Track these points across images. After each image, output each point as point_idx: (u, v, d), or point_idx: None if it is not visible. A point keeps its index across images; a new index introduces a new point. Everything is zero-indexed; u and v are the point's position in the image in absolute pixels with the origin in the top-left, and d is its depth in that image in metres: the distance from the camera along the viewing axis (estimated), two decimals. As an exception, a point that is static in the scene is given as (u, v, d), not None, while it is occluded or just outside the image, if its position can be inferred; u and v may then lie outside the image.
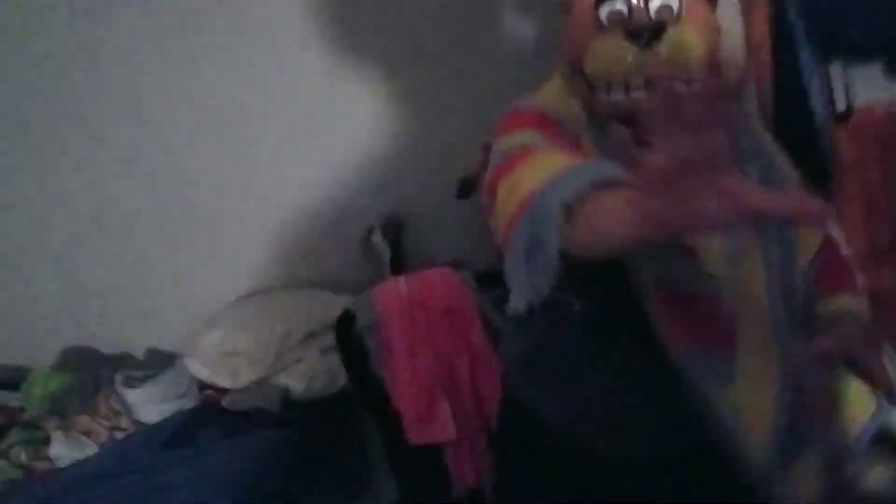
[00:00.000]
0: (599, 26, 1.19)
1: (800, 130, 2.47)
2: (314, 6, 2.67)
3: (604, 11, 1.18)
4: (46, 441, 2.49)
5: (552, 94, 1.30)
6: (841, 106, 2.53)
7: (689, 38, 1.16)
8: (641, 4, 1.17)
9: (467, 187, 2.38)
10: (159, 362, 2.76)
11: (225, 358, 2.60)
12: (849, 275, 1.36)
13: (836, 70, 2.48)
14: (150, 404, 2.57)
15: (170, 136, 2.77)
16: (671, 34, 1.15)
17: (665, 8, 1.17)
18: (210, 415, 2.53)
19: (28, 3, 2.68)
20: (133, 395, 2.58)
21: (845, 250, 1.40)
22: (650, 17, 1.17)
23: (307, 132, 2.75)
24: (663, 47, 1.15)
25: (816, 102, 2.37)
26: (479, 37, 2.64)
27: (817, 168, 2.51)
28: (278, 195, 2.80)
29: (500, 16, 2.66)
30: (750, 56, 1.29)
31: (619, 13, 1.17)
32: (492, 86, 2.51)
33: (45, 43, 2.71)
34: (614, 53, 1.17)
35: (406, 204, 2.74)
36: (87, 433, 2.51)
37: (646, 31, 1.15)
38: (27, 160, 2.86)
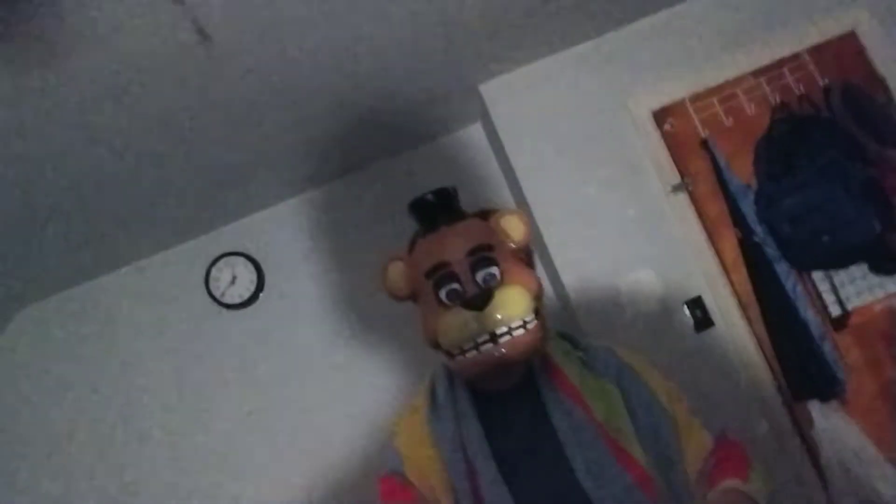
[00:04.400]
0: (443, 305, 1.51)
1: (797, 342, 2.51)
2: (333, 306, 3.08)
3: (443, 293, 1.51)
4: None
5: (406, 421, 1.59)
6: (835, 311, 2.57)
7: (512, 297, 1.45)
8: (470, 279, 1.50)
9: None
10: None
11: None
12: (738, 465, 1.45)
13: (820, 278, 2.55)
14: None
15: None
16: (498, 296, 1.44)
17: (489, 276, 1.50)
18: None
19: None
20: None
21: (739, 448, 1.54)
22: (479, 286, 1.50)
23: (316, 420, 2.97)
24: (495, 307, 1.42)
25: (806, 312, 2.43)
26: None
27: (823, 377, 2.52)
28: (289, 483, 2.91)
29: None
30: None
31: (455, 290, 1.50)
32: None
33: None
34: (458, 324, 1.45)
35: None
36: None
37: (478, 300, 1.45)
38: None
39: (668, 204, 2.67)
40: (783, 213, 2.52)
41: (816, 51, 2.73)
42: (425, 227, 1.58)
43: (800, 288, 2.54)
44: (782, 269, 2.53)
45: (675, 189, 2.66)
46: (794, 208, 2.51)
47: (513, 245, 1.53)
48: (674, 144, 2.71)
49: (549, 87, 2.78)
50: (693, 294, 2.60)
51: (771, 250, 2.54)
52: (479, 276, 1.46)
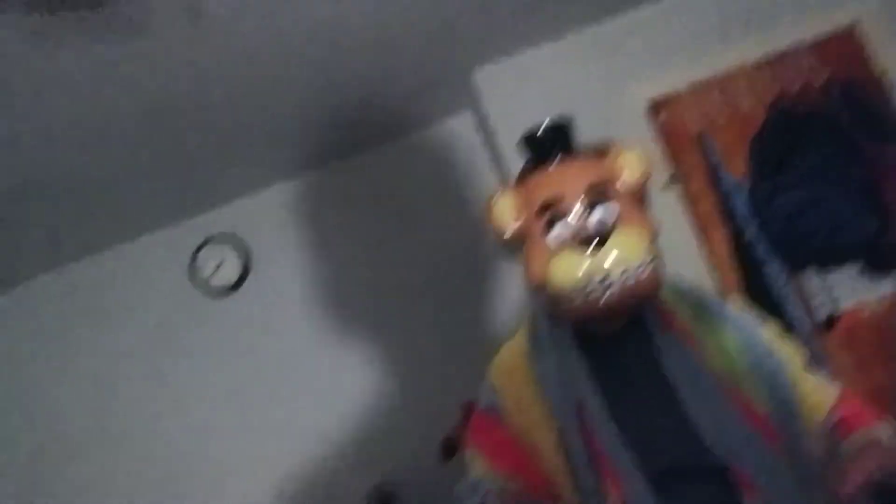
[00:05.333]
0: (554, 244, 1.40)
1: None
2: (316, 294, 3.08)
3: (555, 232, 1.40)
4: None
5: (505, 359, 1.52)
6: (825, 312, 2.54)
7: (629, 239, 1.36)
8: (584, 218, 1.40)
9: (450, 448, 2.44)
10: None
11: None
12: (867, 415, 1.42)
13: (811, 278, 2.52)
14: None
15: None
16: (615, 238, 1.35)
17: (606, 216, 1.40)
18: None
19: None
20: None
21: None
22: (594, 227, 1.39)
23: (297, 410, 2.99)
24: (611, 249, 1.33)
25: (795, 312, 2.40)
26: (458, 316, 3.02)
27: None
28: (269, 471, 2.95)
29: (478, 301, 3.02)
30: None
31: (568, 230, 1.39)
32: (469, 355, 2.62)
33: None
34: (571, 265, 1.36)
35: (394, 473, 2.91)
36: None
37: (593, 241, 1.36)
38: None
39: (659, 198, 2.61)
40: (777, 210, 2.48)
41: (817, 45, 2.67)
42: (538, 161, 1.46)
43: (790, 287, 2.50)
44: (773, 267, 2.49)
45: (668, 183, 2.62)
46: (787, 206, 2.46)
47: (631, 184, 1.42)
48: (667, 138, 2.67)
49: (543, 75, 2.74)
50: (682, 290, 2.58)
51: (762, 248, 2.50)
52: (595, 215, 1.37)
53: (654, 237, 1.40)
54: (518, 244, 1.47)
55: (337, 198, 3.06)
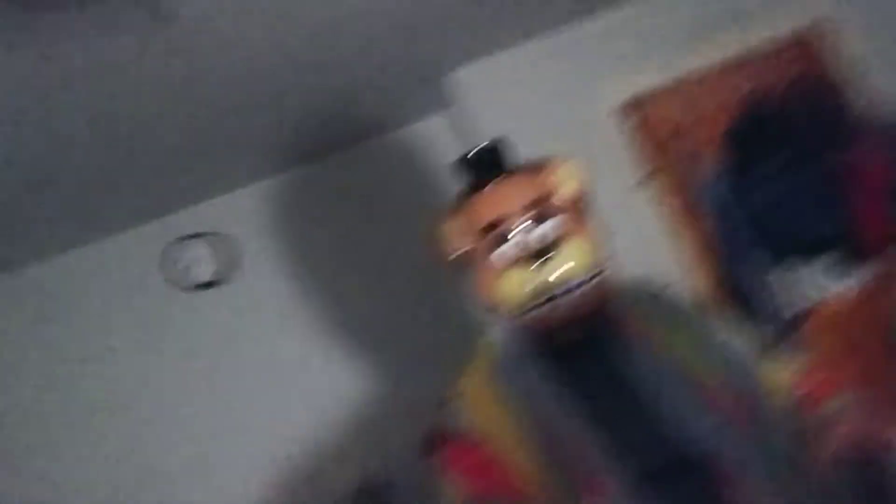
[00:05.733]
0: (499, 267, 1.43)
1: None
2: (295, 291, 3.10)
3: (498, 254, 1.43)
4: None
5: (470, 382, 1.52)
6: (794, 307, 2.59)
7: (573, 251, 1.38)
8: (528, 235, 1.42)
9: (432, 446, 2.46)
10: None
11: None
12: (829, 385, 1.45)
13: (782, 272, 2.58)
14: None
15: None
16: (560, 252, 1.38)
17: (549, 231, 1.42)
18: None
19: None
20: None
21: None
22: (539, 243, 1.42)
23: (278, 407, 3.00)
24: (557, 263, 1.37)
25: (766, 306, 2.45)
26: (438, 312, 3.08)
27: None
28: (253, 466, 2.95)
29: (458, 296, 2.96)
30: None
31: (513, 248, 1.42)
32: (451, 349, 2.64)
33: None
34: (519, 282, 1.40)
35: (380, 469, 2.92)
36: None
37: (539, 256, 1.37)
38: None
39: (634, 196, 2.67)
40: (748, 207, 2.53)
41: (785, 45, 2.76)
42: (476, 184, 1.48)
43: (761, 282, 2.55)
44: (745, 263, 2.54)
45: (642, 181, 2.66)
46: (758, 203, 2.52)
47: (569, 197, 1.44)
48: (642, 136, 2.72)
49: (517, 76, 2.77)
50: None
51: (735, 244, 2.55)
52: (538, 231, 1.39)
53: (597, 246, 1.42)
54: (466, 265, 1.49)
55: (313, 197, 3.06)
